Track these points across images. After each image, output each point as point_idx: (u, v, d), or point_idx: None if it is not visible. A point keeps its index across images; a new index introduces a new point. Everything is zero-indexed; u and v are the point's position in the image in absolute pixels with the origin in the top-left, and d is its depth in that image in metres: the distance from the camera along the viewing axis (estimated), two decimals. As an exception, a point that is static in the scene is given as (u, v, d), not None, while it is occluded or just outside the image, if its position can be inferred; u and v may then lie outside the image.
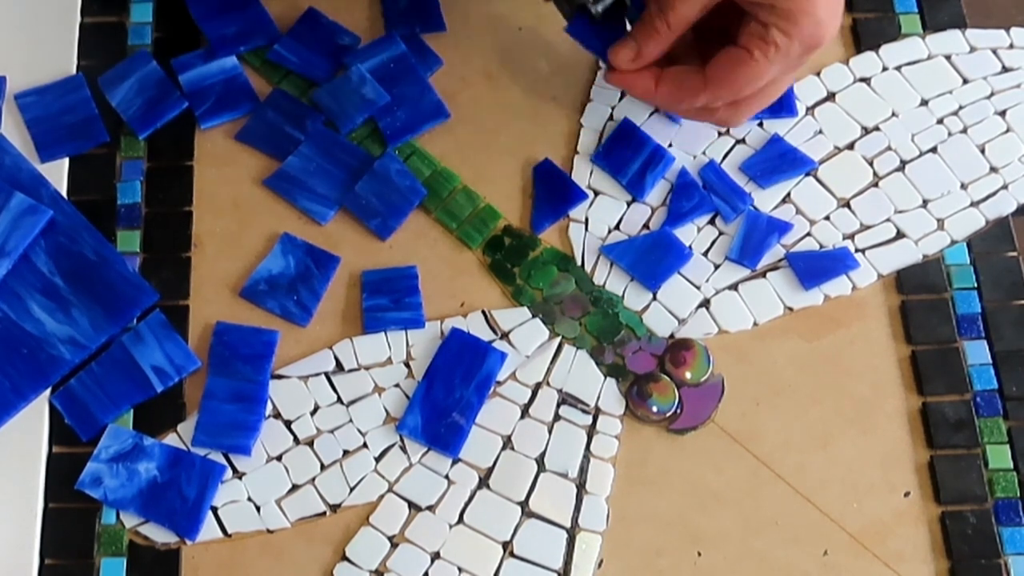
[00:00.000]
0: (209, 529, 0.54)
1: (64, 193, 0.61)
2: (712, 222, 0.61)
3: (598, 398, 0.57)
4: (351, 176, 0.61)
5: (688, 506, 0.55)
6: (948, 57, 0.65)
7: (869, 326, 0.59)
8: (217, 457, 0.55)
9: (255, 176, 0.62)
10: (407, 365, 0.57)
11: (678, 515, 0.55)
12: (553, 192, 0.61)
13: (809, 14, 0.51)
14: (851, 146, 0.63)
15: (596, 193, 0.62)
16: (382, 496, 0.55)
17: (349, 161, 0.61)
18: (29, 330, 0.57)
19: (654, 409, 0.56)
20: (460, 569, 0.53)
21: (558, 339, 0.58)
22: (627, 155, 0.62)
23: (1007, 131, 0.63)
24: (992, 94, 0.64)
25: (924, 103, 0.64)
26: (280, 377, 0.57)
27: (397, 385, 0.57)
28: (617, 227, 0.61)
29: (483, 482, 0.55)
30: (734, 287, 0.60)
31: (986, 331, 0.58)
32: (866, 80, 0.64)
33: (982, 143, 0.63)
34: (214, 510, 0.54)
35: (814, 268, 0.59)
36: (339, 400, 0.57)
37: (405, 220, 0.60)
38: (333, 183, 0.61)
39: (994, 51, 0.65)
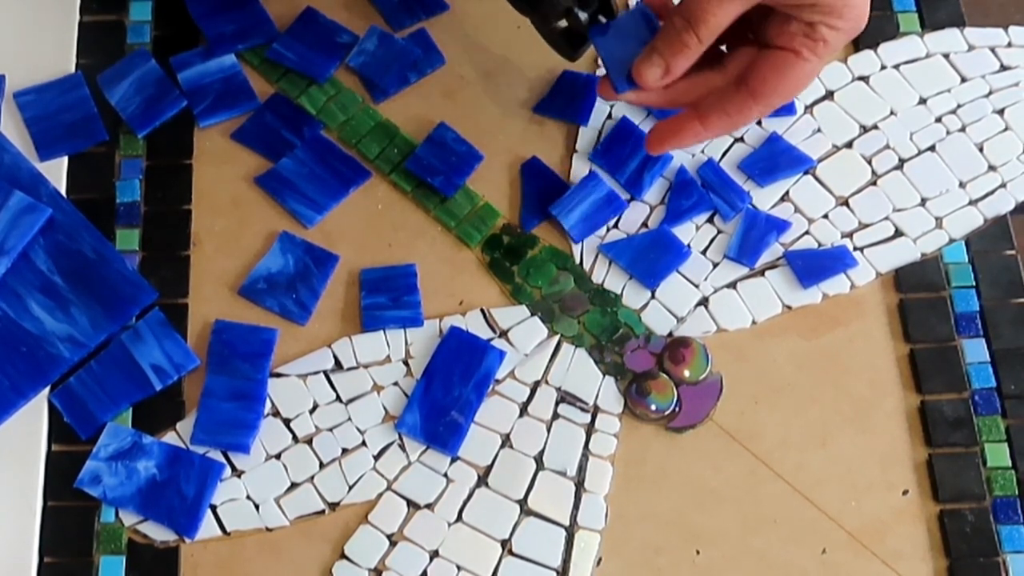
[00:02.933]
0: (208, 527, 0.54)
1: (63, 191, 0.61)
2: (711, 220, 0.61)
3: (597, 396, 0.57)
4: (343, 185, 0.61)
5: (687, 504, 0.55)
6: (946, 56, 0.65)
7: (868, 324, 0.59)
8: (216, 455, 0.55)
9: (254, 175, 0.62)
10: (406, 363, 0.57)
11: (677, 513, 0.55)
12: (541, 190, 0.61)
13: (851, 5, 0.50)
14: (850, 144, 0.63)
15: (595, 191, 0.62)
16: (381, 494, 0.55)
17: (343, 170, 0.61)
18: (28, 328, 0.57)
19: (653, 407, 0.56)
20: (459, 567, 0.53)
21: (557, 337, 0.58)
22: (625, 153, 0.62)
23: (1005, 129, 0.63)
24: (990, 92, 0.64)
25: (923, 101, 0.64)
26: (279, 375, 0.57)
27: (396, 383, 0.57)
28: (616, 225, 0.61)
29: (482, 480, 0.55)
30: (733, 285, 0.60)
31: (984, 329, 0.58)
32: (865, 79, 0.64)
33: (980, 141, 0.63)
34: (213, 508, 0.54)
35: (813, 266, 0.60)
36: (338, 398, 0.57)
37: (468, 177, 0.61)
38: (324, 189, 0.61)
39: (992, 50, 0.65)
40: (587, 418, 0.57)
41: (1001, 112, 0.64)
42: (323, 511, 0.55)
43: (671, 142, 0.55)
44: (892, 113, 0.63)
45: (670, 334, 0.58)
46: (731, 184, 0.61)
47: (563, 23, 0.56)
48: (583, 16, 0.55)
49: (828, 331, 0.59)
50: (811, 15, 0.50)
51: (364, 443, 0.56)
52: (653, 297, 0.59)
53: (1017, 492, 0.55)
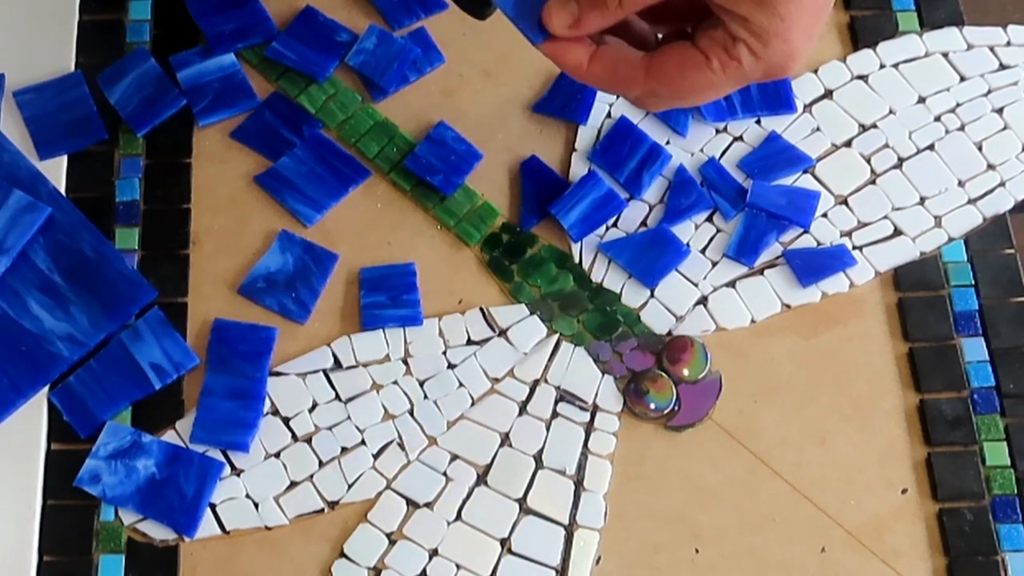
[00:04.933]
0: (207, 526, 0.54)
1: (63, 190, 0.61)
2: (710, 219, 0.61)
3: (596, 395, 0.57)
4: (342, 183, 0.61)
5: (686, 503, 0.55)
6: (945, 55, 0.65)
7: (867, 323, 0.59)
8: (215, 454, 0.55)
9: (253, 174, 0.62)
10: (405, 362, 0.57)
11: (676, 512, 0.55)
12: (540, 189, 0.61)
13: (784, 40, 0.46)
14: (848, 143, 0.63)
15: (594, 190, 0.62)
16: (380, 493, 0.55)
17: (343, 169, 0.61)
18: (28, 327, 0.57)
19: (652, 406, 0.56)
20: (458, 566, 0.53)
21: (556, 336, 0.58)
22: (624, 152, 0.62)
23: (1004, 128, 0.63)
24: (989, 91, 0.64)
25: (921, 100, 0.64)
26: (278, 374, 0.57)
27: (395, 382, 0.57)
28: (615, 224, 0.61)
29: (481, 479, 0.55)
30: (732, 284, 0.60)
31: (983, 328, 0.58)
32: (863, 77, 0.64)
33: (979, 140, 0.63)
34: (212, 507, 0.54)
35: (812, 265, 0.60)
36: (337, 397, 0.57)
37: (467, 176, 0.61)
38: (323, 187, 0.61)
39: (991, 48, 0.65)
40: (586, 417, 0.57)
41: (1000, 111, 0.64)
42: (322, 510, 0.55)
43: (553, 53, 0.50)
44: (891, 112, 0.63)
45: (669, 333, 0.58)
46: (733, 183, 0.61)
47: None
48: None
49: (827, 330, 0.59)
50: (737, 29, 0.47)
51: (363, 442, 0.56)
52: (652, 296, 0.59)
53: (1016, 491, 0.55)
